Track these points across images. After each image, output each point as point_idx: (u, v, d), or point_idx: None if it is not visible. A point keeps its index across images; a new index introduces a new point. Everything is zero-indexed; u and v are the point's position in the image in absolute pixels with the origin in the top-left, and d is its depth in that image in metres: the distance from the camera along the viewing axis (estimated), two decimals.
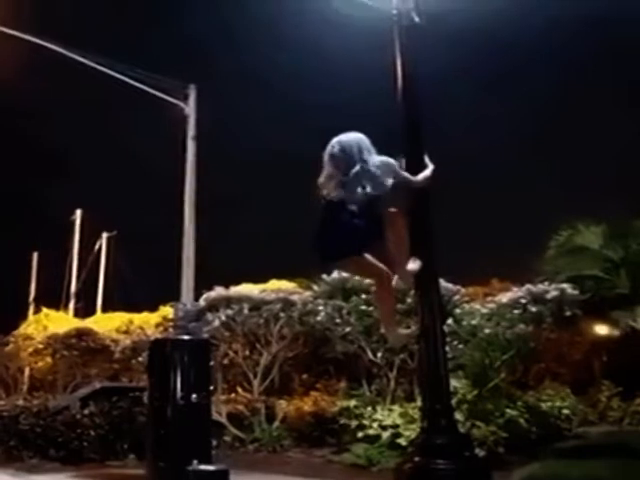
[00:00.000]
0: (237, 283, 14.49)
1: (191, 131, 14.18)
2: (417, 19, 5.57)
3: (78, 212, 28.10)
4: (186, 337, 9.55)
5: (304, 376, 13.15)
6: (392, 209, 4.74)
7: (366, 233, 4.50)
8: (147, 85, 13.93)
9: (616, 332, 13.11)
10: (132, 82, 13.88)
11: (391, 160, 4.68)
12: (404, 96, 5.46)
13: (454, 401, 8.37)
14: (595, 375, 12.93)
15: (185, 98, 14.31)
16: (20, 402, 13.98)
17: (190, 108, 14.25)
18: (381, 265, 4.81)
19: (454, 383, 9.01)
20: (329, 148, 4.65)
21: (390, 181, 4.58)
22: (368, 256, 4.72)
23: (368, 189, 4.43)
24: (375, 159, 4.56)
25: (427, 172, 5.10)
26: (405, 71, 5.52)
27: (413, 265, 4.84)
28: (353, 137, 4.64)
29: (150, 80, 13.97)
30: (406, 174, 4.91)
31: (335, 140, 4.66)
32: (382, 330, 5.15)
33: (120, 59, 14.28)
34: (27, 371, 17.90)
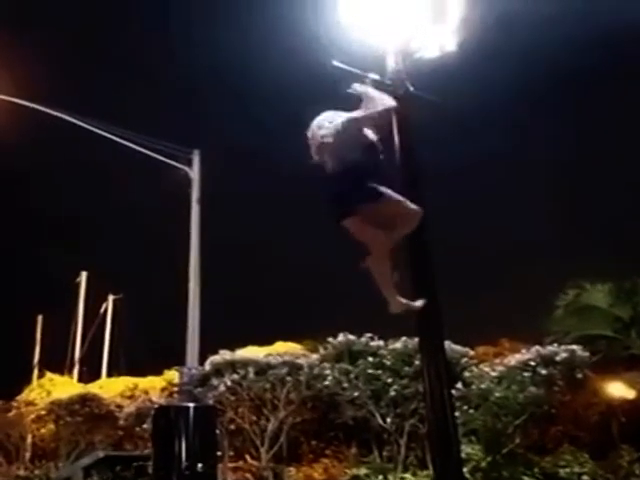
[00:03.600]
0: (243, 345, 14.35)
1: (195, 194, 14.36)
2: (411, 88, 5.69)
3: (83, 274, 28.12)
4: (191, 404, 9.37)
5: (313, 442, 12.81)
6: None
7: (366, 188, 4.76)
8: (151, 150, 14.21)
9: (632, 393, 12.80)
10: (137, 148, 14.16)
11: (352, 114, 4.96)
12: (402, 158, 5.53)
13: (468, 468, 8.17)
14: (614, 438, 12.53)
15: (189, 163, 14.58)
16: (21, 472, 13.67)
17: (194, 172, 14.49)
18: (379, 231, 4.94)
19: (467, 449, 8.80)
20: (314, 131, 4.95)
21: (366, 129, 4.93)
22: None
23: (353, 148, 4.80)
24: (344, 119, 4.89)
25: (387, 102, 5.14)
26: (402, 138, 5.59)
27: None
28: (326, 117, 4.98)
29: (154, 145, 14.25)
30: (368, 112, 5.04)
31: (315, 124, 4.97)
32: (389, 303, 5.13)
33: (124, 125, 14.61)
34: (29, 438, 17.54)
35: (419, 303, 5.07)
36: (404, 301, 5.03)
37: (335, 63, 5.48)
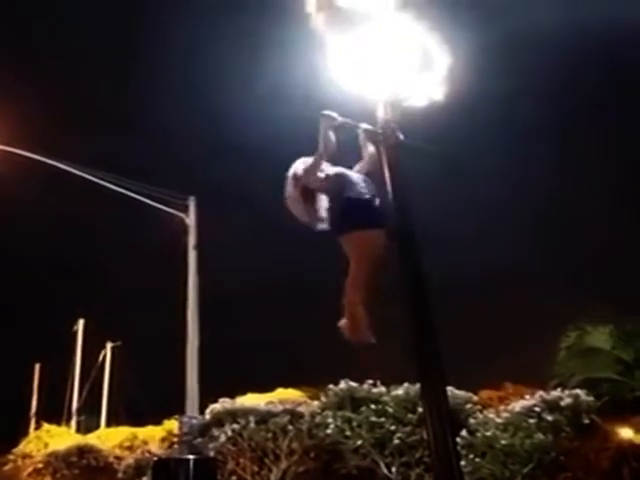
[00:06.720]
0: (243, 392, 14.14)
1: (192, 241, 14.38)
2: (402, 137, 5.70)
3: (80, 322, 27.92)
4: (191, 456, 9.16)
5: None
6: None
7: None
8: (147, 197, 14.30)
9: None
10: (134, 195, 14.25)
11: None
12: (395, 209, 5.47)
13: None
14: None
15: (185, 209, 14.65)
16: None
17: (190, 219, 14.55)
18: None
19: None
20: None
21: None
22: None
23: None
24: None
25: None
26: (394, 186, 5.56)
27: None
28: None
29: (150, 192, 14.35)
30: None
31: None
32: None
33: (119, 172, 14.74)
34: None
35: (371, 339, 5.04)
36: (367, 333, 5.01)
37: (326, 113, 5.51)
